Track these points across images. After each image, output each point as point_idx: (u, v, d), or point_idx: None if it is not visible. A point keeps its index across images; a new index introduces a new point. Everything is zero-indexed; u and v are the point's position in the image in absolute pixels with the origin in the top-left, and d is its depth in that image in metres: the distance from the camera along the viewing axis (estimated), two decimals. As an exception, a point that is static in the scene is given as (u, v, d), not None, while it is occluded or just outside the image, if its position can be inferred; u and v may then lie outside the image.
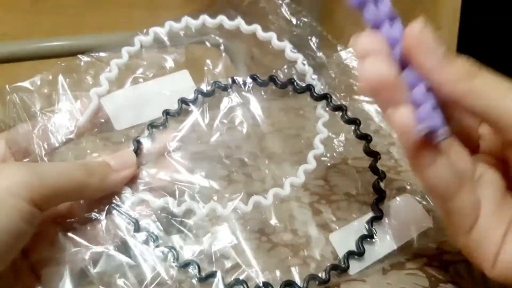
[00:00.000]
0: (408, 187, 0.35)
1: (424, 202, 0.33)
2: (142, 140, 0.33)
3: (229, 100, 0.35)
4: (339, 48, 0.35)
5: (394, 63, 0.25)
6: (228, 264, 0.31)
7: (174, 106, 0.34)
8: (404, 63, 0.25)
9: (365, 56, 0.25)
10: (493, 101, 0.24)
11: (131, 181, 0.32)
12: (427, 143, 0.25)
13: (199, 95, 0.35)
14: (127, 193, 0.32)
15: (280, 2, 0.35)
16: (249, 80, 0.35)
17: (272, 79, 0.35)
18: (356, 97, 0.36)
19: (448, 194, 0.26)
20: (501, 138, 0.27)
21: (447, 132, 0.24)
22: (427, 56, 0.24)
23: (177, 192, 0.33)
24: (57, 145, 0.33)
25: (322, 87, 0.35)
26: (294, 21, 0.35)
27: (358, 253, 0.31)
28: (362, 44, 0.25)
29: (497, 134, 0.28)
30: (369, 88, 0.25)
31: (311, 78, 0.35)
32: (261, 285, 0.30)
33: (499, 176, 0.27)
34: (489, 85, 0.25)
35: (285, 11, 0.35)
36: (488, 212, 0.26)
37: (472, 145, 0.29)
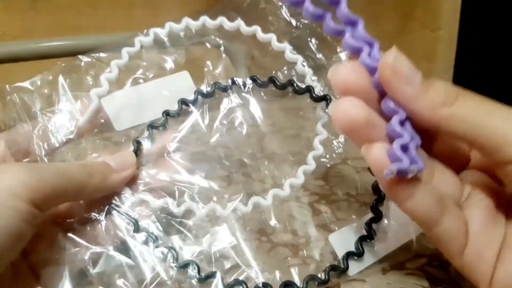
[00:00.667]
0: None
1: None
2: (142, 140, 0.34)
3: (229, 101, 0.35)
4: (338, 49, 0.35)
5: (373, 92, 0.25)
6: (227, 264, 0.31)
7: (174, 107, 0.34)
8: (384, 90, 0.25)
9: (343, 90, 0.25)
10: (474, 125, 0.24)
11: (131, 182, 0.32)
12: (402, 179, 0.24)
13: (199, 96, 0.35)
14: (127, 193, 0.32)
15: (280, 3, 0.35)
16: (249, 81, 0.35)
17: (272, 80, 0.35)
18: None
19: (430, 223, 0.25)
20: (487, 159, 0.27)
21: (421, 167, 0.24)
22: (403, 86, 0.24)
23: (176, 193, 0.33)
24: (57, 145, 0.33)
25: (321, 89, 0.35)
26: (294, 22, 0.35)
27: (358, 254, 0.31)
28: (340, 76, 0.25)
29: (483, 155, 0.28)
30: (341, 130, 0.25)
31: (311, 79, 0.35)
32: (260, 285, 0.30)
33: (488, 193, 0.27)
34: (469, 109, 0.24)
35: (285, 12, 0.35)
36: (478, 232, 0.26)
37: (461, 160, 0.29)
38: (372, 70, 0.25)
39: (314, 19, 0.27)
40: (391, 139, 0.25)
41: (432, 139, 0.28)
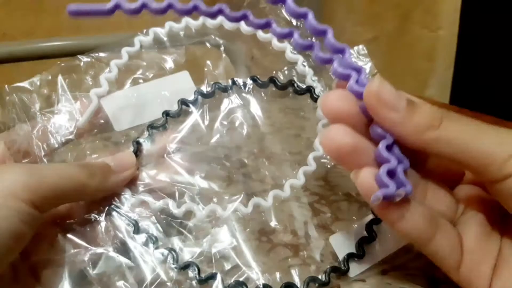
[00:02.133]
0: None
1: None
2: (141, 141, 0.33)
3: (229, 101, 0.35)
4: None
5: (362, 117, 0.26)
6: (228, 265, 0.31)
7: (174, 107, 0.34)
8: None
9: (333, 117, 0.26)
10: (461, 147, 0.24)
11: (131, 183, 0.32)
12: (391, 202, 0.25)
13: (199, 96, 0.34)
14: (126, 194, 0.32)
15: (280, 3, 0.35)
16: (249, 81, 0.35)
17: (272, 80, 0.35)
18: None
19: (423, 242, 0.26)
20: (478, 178, 0.27)
21: (408, 191, 0.24)
22: (388, 112, 0.24)
23: (176, 194, 0.33)
24: (56, 146, 0.33)
25: (322, 89, 0.35)
26: (294, 22, 0.35)
27: (358, 255, 0.31)
28: (330, 104, 0.26)
29: (473, 174, 0.28)
30: (330, 156, 0.26)
31: (311, 79, 0.35)
32: (261, 287, 0.30)
33: (482, 208, 0.27)
34: (454, 131, 0.24)
35: (285, 12, 0.35)
36: (473, 247, 0.26)
37: (455, 175, 0.30)
38: (360, 96, 0.26)
39: (303, 49, 0.28)
40: (379, 163, 0.25)
41: (424, 156, 0.29)
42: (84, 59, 0.35)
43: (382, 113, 0.25)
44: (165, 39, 0.35)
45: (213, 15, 0.28)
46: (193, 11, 0.28)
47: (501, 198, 0.25)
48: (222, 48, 0.36)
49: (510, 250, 0.26)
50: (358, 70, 0.26)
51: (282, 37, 0.29)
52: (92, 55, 0.35)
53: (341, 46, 0.27)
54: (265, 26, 0.29)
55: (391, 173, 0.25)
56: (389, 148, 0.25)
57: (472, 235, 0.26)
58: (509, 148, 0.24)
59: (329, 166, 0.34)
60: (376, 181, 0.24)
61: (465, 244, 0.26)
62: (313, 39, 0.28)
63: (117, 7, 0.27)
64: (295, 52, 0.34)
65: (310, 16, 0.27)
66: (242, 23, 0.33)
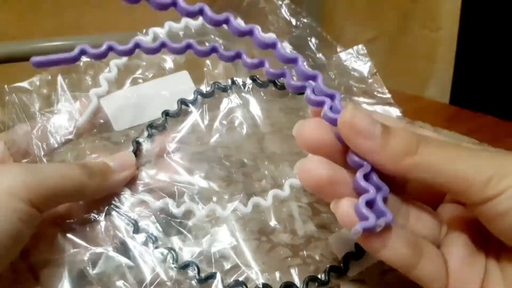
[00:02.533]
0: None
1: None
2: (141, 141, 0.33)
3: (229, 101, 0.35)
4: (338, 49, 0.35)
5: (338, 145, 0.26)
6: (227, 265, 0.31)
7: (173, 107, 0.34)
8: None
9: (308, 147, 0.26)
10: (438, 172, 0.24)
11: (131, 182, 0.32)
12: (372, 233, 0.24)
13: (199, 96, 0.34)
14: (126, 194, 0.32)
15: (280, 2, 0.35)
16: (248, 81, 0.35)
17: (272, 80, 0.35)
18: (356, 98, 0.36)
19: (407, 268, 0.25)
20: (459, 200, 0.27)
21: (389, 219, 0.24)
22: (363, 141, 0.24)
23: (176, 193, 0.33)
24: (56, 145, 0.33)
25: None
26: (293, 22, 0.35)
27: (358, 255, 0.31)
28: (305, 134, 0.26)
29: (453, 197, 0.28)
30: (308, 189, 0.26)
31: (311, 79, 0.35)
32: (260, 286, 0.30)
33: (466, 228, 0.27)
34: (432, 155, 0.24)
35: (284, 12, 0.35)
36: (458, 269, 0.26)
37: (437, 195, 0.29)
38: (335, 123, 0.25)
39: (275, 78, 0.28)
40: (358, 193, 0.25)
41: (404, 180, 0.28)
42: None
43: (357, 141, 0.24)
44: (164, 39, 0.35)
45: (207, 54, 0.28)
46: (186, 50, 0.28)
47: (483, 220, 0.25)
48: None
49: (495, 269, 0.26)
50: (332, 97, 0.26)
51: (253, 67, 0.29)
52: (91, 55, 0.35)
53: (313, 73, 0.27)
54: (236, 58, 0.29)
55: (371, 203, 0.24)
56: (367, 176, 0.25)
57: (457, 256, 0.26)
58: (487, 171, 0.23)
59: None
60: (356, 212, 0.24)
61: (450, 266, 0.26)
62: (285, 67, 0.28)
63: (82, 53, 0.27)
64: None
65: (279, 45, 0.27)
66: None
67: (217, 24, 0.28)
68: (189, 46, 0.28)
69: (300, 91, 0.27)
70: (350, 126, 0.24)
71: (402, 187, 0.28)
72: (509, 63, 0.79)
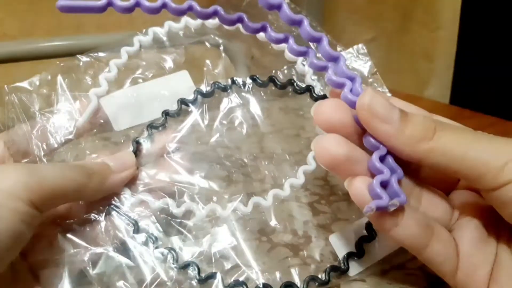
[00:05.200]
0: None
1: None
2: (141, 141, 0.33)
3: (229, 101, 0.35)
4: (339, 48, 0.35)
5: (356, 127, 0.26)
6: (227, 265, 0.31)
7: (173, 106, 0.34)
8: None
9: (326, 126, 0.26)
10: (455, 157, 0.24)
11: (131, 182, 0.32)
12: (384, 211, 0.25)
13: (199, 96, 0.34)
14: (126, 194, 0.32)
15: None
16: (248, 81, 0.35)
17: (272, 79, 0.35)
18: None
19: (418, 248, 0.26)
20: (473, 186, 0.28)
21: (402, 201, 0.24)
22: (381, 125, 0.25)
23: (176, 193, 0.32)
24: (56, 146, 0.33)
25: (321, 88, 0.35)
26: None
27: (358, 254, 0.31)
28: (323, 114, 0.26)
29: (468, 183, 0.28)
30: (324, 166, 0.26)
31: (311, 78, 0.35)
32: (261, 286, 0.30)
33: (478, 213, 0.27)
34: (449, 140, 0.24)
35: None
36: (469, 253, 0.26)
37: (450, 181, 0.30)
38: (354, 105, 0.26)
39: (298, 55, 0.29)
40: (372, 174, 0.25)
41: (419, 164, 0.28)
42: (84, 59, 0.35)
43: (374, 125, 0.25)
44: (164, 38, 0.35)
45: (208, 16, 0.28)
46: (187, 11, 0.28)
47: (496, 205, 0.25)
48: (221, 48, 0.36)
49: (506, 254, 0.26)
50: (352, 79, 0.26)
51: (277, 42, 0.29)
52: (91, 54, 0.35)
53: (336, 54, 0.27)
54: (261, 30, 0.29)
55: (385, 184, 0.25)
56: (382, 158, 0.25)
57: (468, 240, 0.26)
58: (503, 156, 0.24)
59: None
60: (369, 191, 0.25)
61: (461, 249, 0.26)
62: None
63: (109, 4, 0.27)
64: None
65: (306, 23, 0.27)
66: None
67: (207, 17, 0.28)
68: (190, 8, 0.28)
69: (322, 70, 0.28)
70: (369, 110, 0.24)
71: (416, 172, 0.29)
72: (509, 63, 0.79)
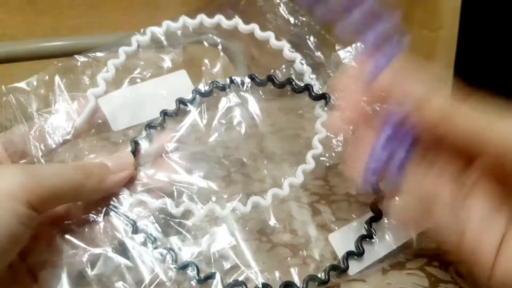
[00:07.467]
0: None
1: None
2: (139, 141, 0.33)
3: (227, 100, 0.35)
4: (337, 47, 0.35)
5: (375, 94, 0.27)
6: (227, 265, 0.31)
7: (172, 106, 0.34)
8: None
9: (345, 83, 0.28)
10: (479, 134, 0.24)
11: (129, 182, 0.32)
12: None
13: (197, 95, 0.34)
14: (125, 194, 0.32)
15: (278, 1, 0.35)
16: (247, 80, 0.35)
17: (270, 78, 0.35)
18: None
19: (421, 220, 0.26)
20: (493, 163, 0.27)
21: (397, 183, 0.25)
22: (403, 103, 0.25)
23: (175, 193, 0.32)
24: (54, 146, 0.33)
25: (320, 87, 0.34)
26: (292, 20, 0.35)
27: (358, 254, 0.31)
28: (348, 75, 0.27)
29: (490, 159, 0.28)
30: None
31: (310, 77, 0.35)
32: (260, 286, 0.30)
33: (491, 190, 0.27)
34: (471, 118, 0.25)
35: (283, 10, 0.35)
36: (476, 225, 0.26)
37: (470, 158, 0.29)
38: (379, 72, 0.26)
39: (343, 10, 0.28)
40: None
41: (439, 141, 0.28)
42: (81, 59, 0.35)
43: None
44: (162, 38, 0.35)
45: None
46: None
47: None
48: (219, 47, 0.36)
49: None
50: (392, 46, 0.27)
51: None
52: (89, 55, 0.35)
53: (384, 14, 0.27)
54: None
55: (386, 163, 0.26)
56: (390, 137, 0.26)
57: (477, 212, 0.26)
58: None
59: (328, 165, 0.34)
60: (363, 176, 0.26)
61: (469, 220, 0.26)
62: None
63: None
64: (293, 50, 0.34)
65: None
66: (240, 21, 0.33)
67: None
68: None
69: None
70: (390, 89, 0.26)
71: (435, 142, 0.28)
72: (509, 63, 0.79)
